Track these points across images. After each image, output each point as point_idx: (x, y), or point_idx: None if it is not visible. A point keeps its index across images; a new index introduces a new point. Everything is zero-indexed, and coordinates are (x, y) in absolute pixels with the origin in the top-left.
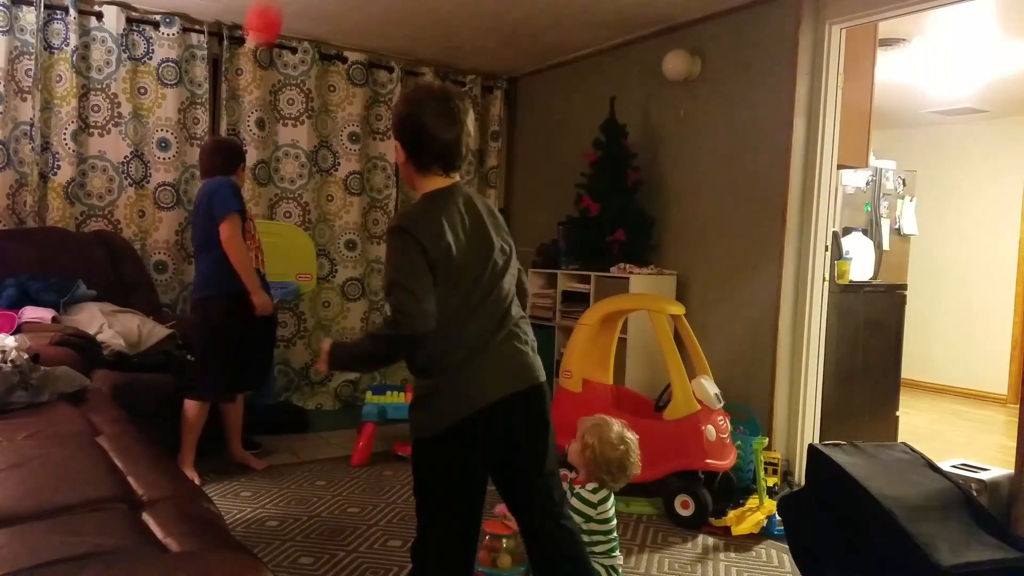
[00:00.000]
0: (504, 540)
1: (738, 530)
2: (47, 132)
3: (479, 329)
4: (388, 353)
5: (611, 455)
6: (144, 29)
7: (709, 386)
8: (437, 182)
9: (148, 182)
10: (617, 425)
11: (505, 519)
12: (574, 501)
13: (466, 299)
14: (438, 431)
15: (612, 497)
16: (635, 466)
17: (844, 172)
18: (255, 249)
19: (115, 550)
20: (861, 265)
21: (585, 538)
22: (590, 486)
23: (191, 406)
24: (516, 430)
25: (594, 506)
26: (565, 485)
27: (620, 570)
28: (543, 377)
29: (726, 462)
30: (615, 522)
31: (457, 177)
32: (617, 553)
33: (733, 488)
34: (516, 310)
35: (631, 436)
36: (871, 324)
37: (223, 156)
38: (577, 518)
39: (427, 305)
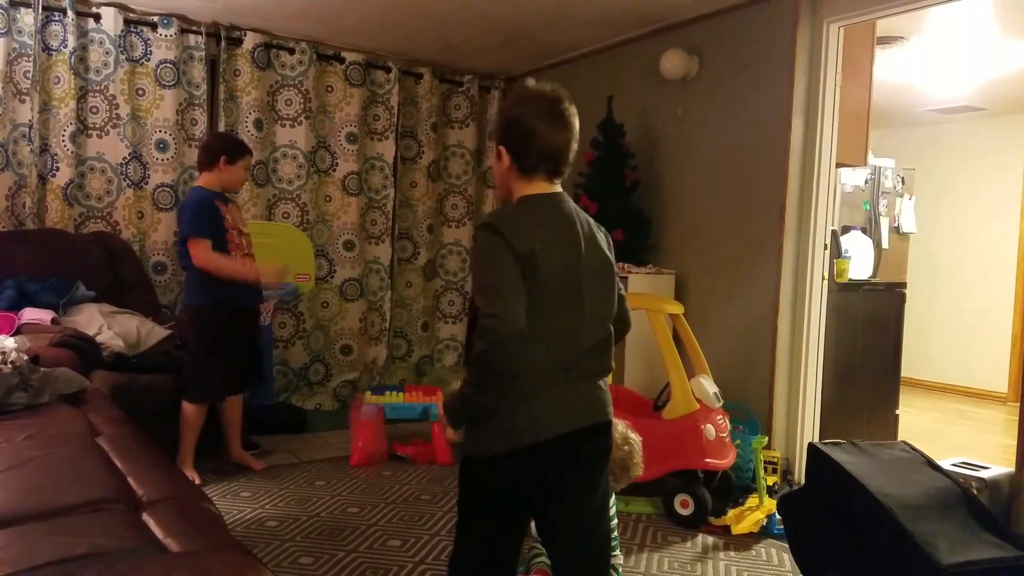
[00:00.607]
0: None
1: (738, 529)
2: (46, 134)
3: (553, 355)
4: (488, 366)
5: (615, 455)
6: (142, 30)
7: (708, 385)
8: (540, 187)
9: (147, 183)
10: (621, 425)
11: None
12: None
13: (543, 319)
14: (491, 454)
15: (613, 497)
16: (638, 467)
17: (843, 171)
18: (244, 258)
19: (115, 550)
20: (860, 264)
21: None
22: None
23: (188, 407)
24: (567, 475)
25: None
26: None
27: (620, 570)
28: (609, 415)
29: (725, 461)
30: (615, 521)
31: (559, 186)
32: (617, 552)
33: (732, 487)
34: (605, 351)
35: (635, 437)
36: (870, 323)
37: (204, 151)
38: None
39: (516, 303)
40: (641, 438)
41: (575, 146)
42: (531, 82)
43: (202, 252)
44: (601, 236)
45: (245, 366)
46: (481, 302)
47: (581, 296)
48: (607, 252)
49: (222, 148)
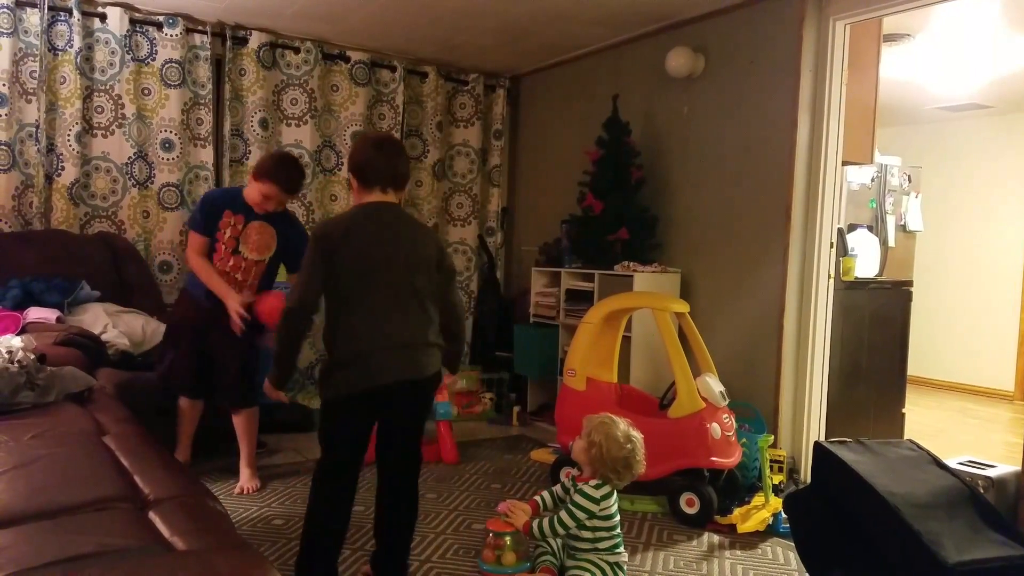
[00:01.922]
0: (507, 537)
1: (743, 528)
2: (52, 133)
3: (370, 322)
4: (285, 345)
5: (617, 454)
6: (147, 30)
7: (714, 384)
8: (372, 198)
9: (152, 183)
10: (623, 424)
11: (506, 517)
12: (577, 498)
13: (360, 295)
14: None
15: (615, 494)
16: (640, 465)
17: (849, 169)
18: (223, 275)
19: (121, 549)
20: (866, 262)
21: (588, 534)
22: (593, 482)
23: (179, 399)
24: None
25: (597, 502)
26: (568, 482)
27: (625, 568)
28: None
29: (731, 460)
30: (618, 518)
31: (392, 196)
32: (621, 550)
33: (738, 486)
34: (420, 313)
35: (637, 435)
36: (877, 321)
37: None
38: (580, 514)
39: (311, 303)
40: (643, 436)
41: (404, 170)
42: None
43: (191, 248)
44: (427, 238)
45: (202, 369)
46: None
47: (392, 284)
48: (429, 250)
49: (257, 165)
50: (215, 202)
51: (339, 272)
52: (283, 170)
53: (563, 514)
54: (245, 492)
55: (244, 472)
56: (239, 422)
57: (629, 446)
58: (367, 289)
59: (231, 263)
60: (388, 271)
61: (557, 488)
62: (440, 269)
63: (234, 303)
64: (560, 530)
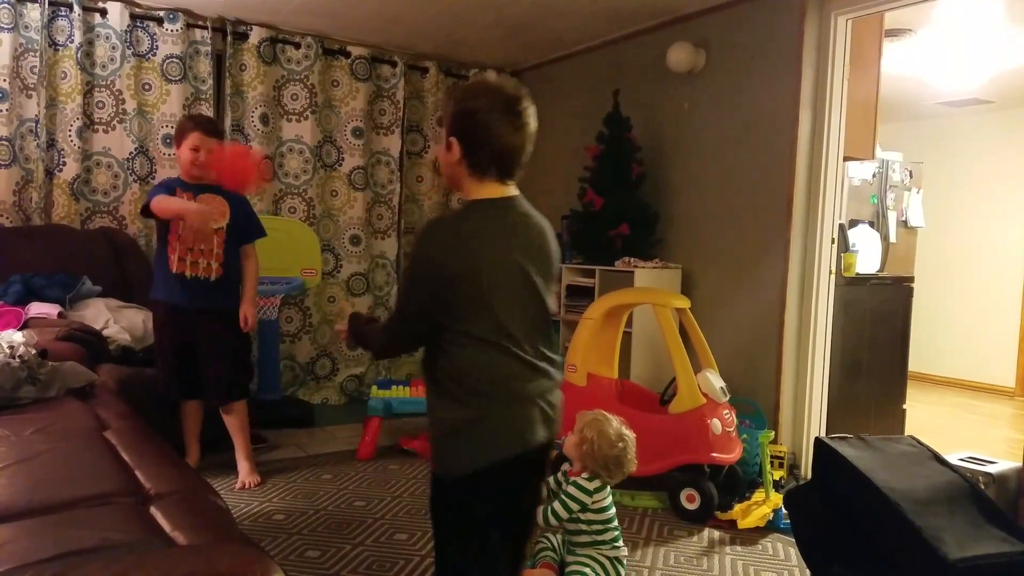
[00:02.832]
0: None
1: (744, 523)
2: (52, 129)
3: (513, 361)
4: (387, 348)
5: (609, 452)
6: (148, 25)
7: (715, 380)
8: (491, 188)
9: (153, 178)
10: (615, 422)
11: None
12: (571, 489)
13: (498, 326)
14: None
15: (608, 488)
16: (632, 463)
17: (850, 164)
18: (185, 252)
19: (123, 543)
20: (868, 258)
21: (584, 527)
22: (585, 475)
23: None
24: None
25: (590, 494)
26: (560, 476)
27: (624, 562)
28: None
29: (732, 456)
30: (613, 511)
31: (514, 188)
32: (620, 544)
33: (739, 481)
34: (551, 347)
35: (629, 434)
36: (878, 317)
37: None
38: (573, 505)
39: (415, 327)
40: (635, 435)
41: (530, 149)
42: (492, 75)
43: (156, 203)
44: (551, 242)
45: (190, 371)
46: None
47: (531, 300)
48: (554, 260)
49: (179, 131)
50: (167, 184)
51: (464, 296)
52: (191, 119)
53: (556, 504)
54: (246, 487)
55: (243, 467)
56: (229, 419)
57: (621, 444)
58: (502, 311)
59: (192, 237)
60: (524, 289)
61: (550, 480)
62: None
63: (193, 208)
64: (553, 520)
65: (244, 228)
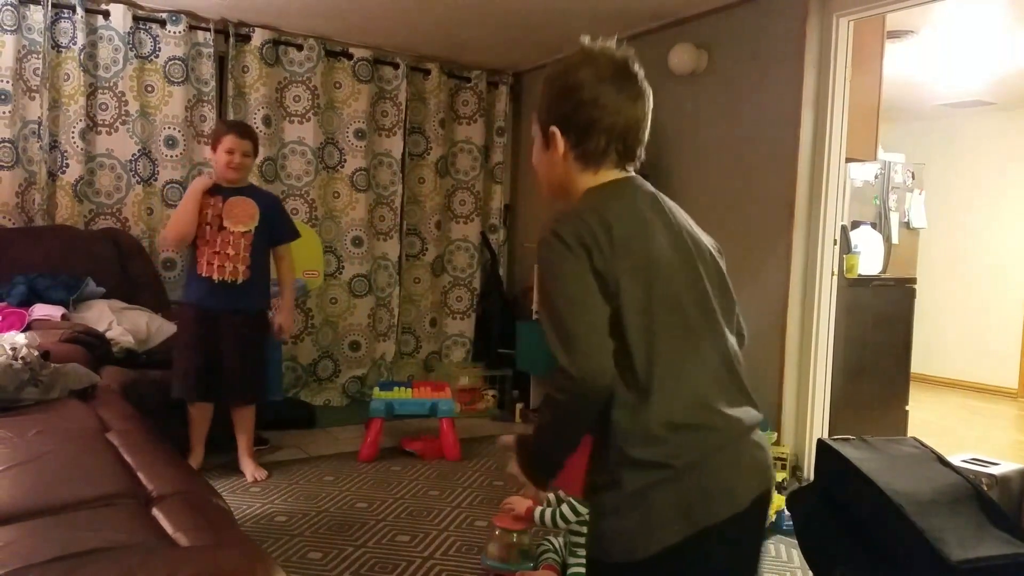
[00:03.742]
0: (515, 535)
1: None
2: (55, 130)
3: (701, 389)
4: (567, 425)
5: None
6: (151, 27)
7: None
8: (610, 175)
9: (156, 180)
10: None
11: (513, 512)
12: (564, 509)
13: (673, 340)
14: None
15: None
16: None
17: (852, 165)
18: (213, 256)
19: (125, 545)
20: (870, 259)
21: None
22: None
23: (189, 405)
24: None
25: None
26: (551, 496)
27: None
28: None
29: None
30: None
31: (633, 172)
32: None
33: None
34: (740, 361)
35: None
36: (880, 318)
37: None
38: (582, 508)
39: (595, 352)
40: None
41: (649, 123)
42: (586, 39)
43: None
44: (696, 227)
45: (215, 374)
46: (553, 346)
47: (710, 304)
48: (711, 244)
49: (211, 138)
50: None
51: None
52: (227, 123)
53: (565, 507)
54: (257, 480)
55: (249, 463)
56: (240, 415)
57: None
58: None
59: (220, 240)
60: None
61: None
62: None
63: (199, 182)
64: (561, 523)
65: (275, 230)
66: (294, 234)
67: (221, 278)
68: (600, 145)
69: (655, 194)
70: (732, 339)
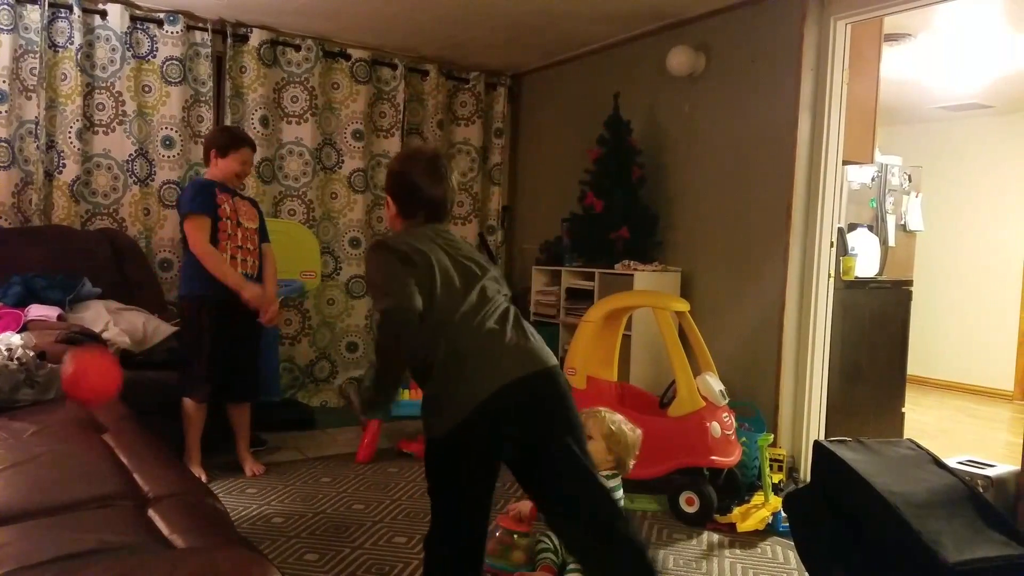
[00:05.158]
0: (516, 536)
1: (743, 527)
2: (52, 130)
3: (471, 335)
4: (389, 354)
5: (635, 434)
6: (148, 27)
7: (714, 383)
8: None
9: (153, 180)
10: (617, 414)
11: (520, 515)
12: None
13: (453, 309)
14: (443, 432)
15: (621, 489)
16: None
17: (849, 168)
18: (236, 250)
19: (121, 546)
20: (867, 261)
21: None
22: (605, 472)
23: (187, 404)
24: (525, 418)
25: None
26: None
27: None
28: (551, 361)
29: (731, 459)
30: (622, 505)
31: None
32: None
33: (738, 485)
34: (513, 314)
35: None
36: (877, 320)
37: (204, 146)
38: None
39: (410, 301)
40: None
41: (453, 197)
42: (415, 142)
43: (198, 233)
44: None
45: (239, 370)
46: (381, 305)
47: (482, 287)
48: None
49: (212, 143)
50: (207, 185)
51: None
52: (240, 134)
53: None
54: (255, 475)
55: (248, 459)
56: (241, 412)
57: (638, 430)
58: None
59: (240, 236)
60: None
61: None
62: None
63: (249, 293)
64: None
65: (262, 231)
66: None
67: (243, 271)
68: (413, 210)
69: (442, 231)
70: (495, 296)
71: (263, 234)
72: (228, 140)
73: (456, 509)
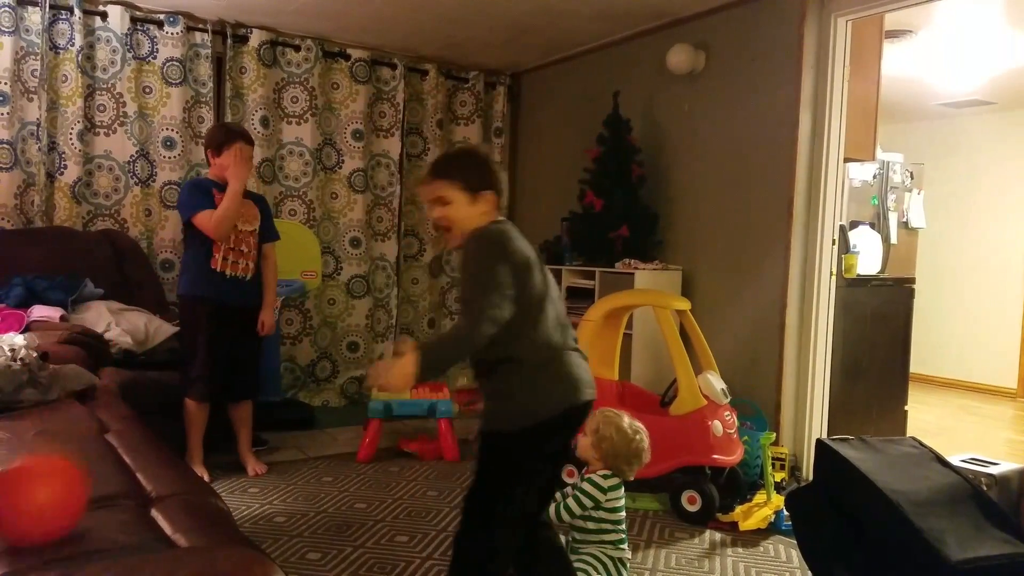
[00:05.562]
0: None
1: (745, 525)
2: (53, 132)
3: (561, 338)
4: (472, 347)
5: (629, 447)
6: (148, 28)
7: (715, 381)
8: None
9: (154, 181)
10: (626, 416)
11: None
12: (585, 485)
13: (549, 314)
14: (534, 422)
15: (623, 488)
16: (647, 454)
17: (851, 165)
18: (228, 252)
19: (124, 546)
20: (868, 259)
21: (592, 526)
22: (602, 472)
23: (188, 403)
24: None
25: (604, 491)
26: (576, 479)
27: (628, 564)
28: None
29: (733, 457)
30: (624, 513)
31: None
32: (625, 547)
33: (740, 483)
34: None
35: (640, 425)
36: (879, 318)
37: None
38: (586, 501)
39: (510, 311)
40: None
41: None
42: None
43: (208, 221)
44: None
45: (229, 370)
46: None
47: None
48: None
49: (208, 142)
50: (201, 183)
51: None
52: (232, 128)
53: (570, 500)
54: (258, 474)
55: (250, 458)
56: (242, 411)
57: (639, 437)
58: None
59: (234, 238)
60: None
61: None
62: None
63: (239, 176)
64: (566, 516)
65: (265, 230)
66: (278, 234)
67: (233, 274)
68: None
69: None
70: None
71: (267, 234)
72: (222, 136)
73: (532, 498)
